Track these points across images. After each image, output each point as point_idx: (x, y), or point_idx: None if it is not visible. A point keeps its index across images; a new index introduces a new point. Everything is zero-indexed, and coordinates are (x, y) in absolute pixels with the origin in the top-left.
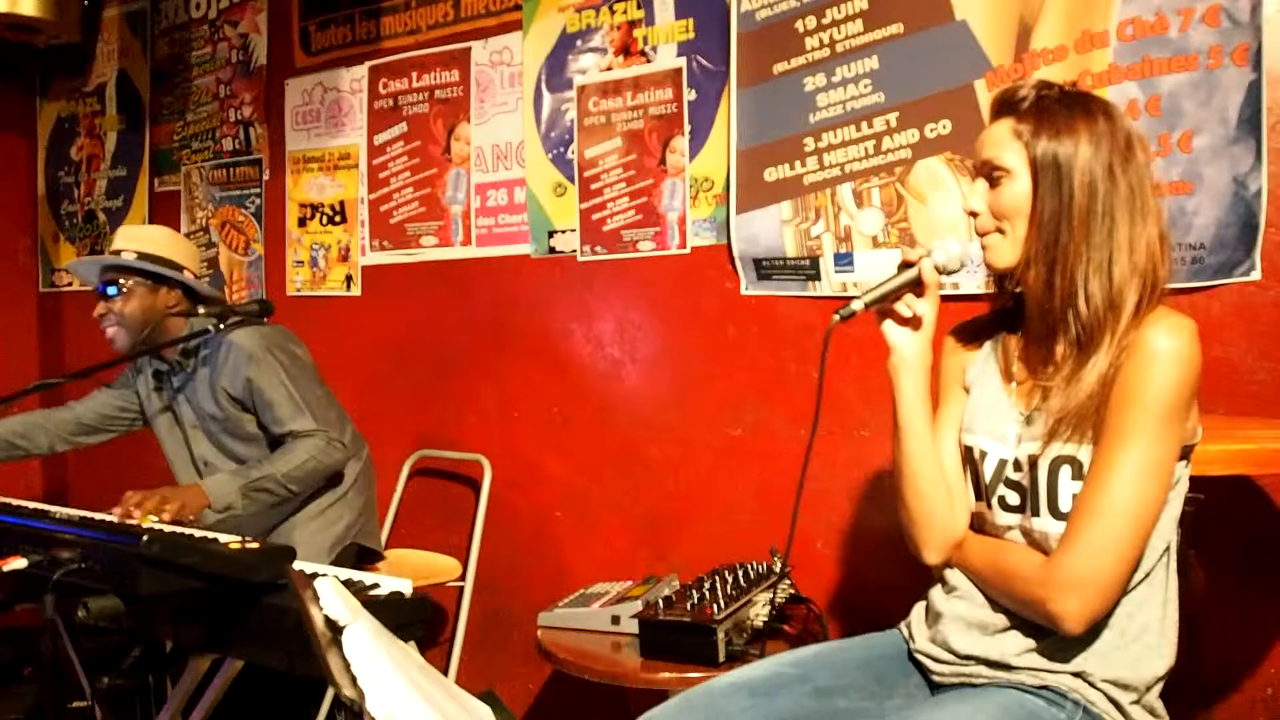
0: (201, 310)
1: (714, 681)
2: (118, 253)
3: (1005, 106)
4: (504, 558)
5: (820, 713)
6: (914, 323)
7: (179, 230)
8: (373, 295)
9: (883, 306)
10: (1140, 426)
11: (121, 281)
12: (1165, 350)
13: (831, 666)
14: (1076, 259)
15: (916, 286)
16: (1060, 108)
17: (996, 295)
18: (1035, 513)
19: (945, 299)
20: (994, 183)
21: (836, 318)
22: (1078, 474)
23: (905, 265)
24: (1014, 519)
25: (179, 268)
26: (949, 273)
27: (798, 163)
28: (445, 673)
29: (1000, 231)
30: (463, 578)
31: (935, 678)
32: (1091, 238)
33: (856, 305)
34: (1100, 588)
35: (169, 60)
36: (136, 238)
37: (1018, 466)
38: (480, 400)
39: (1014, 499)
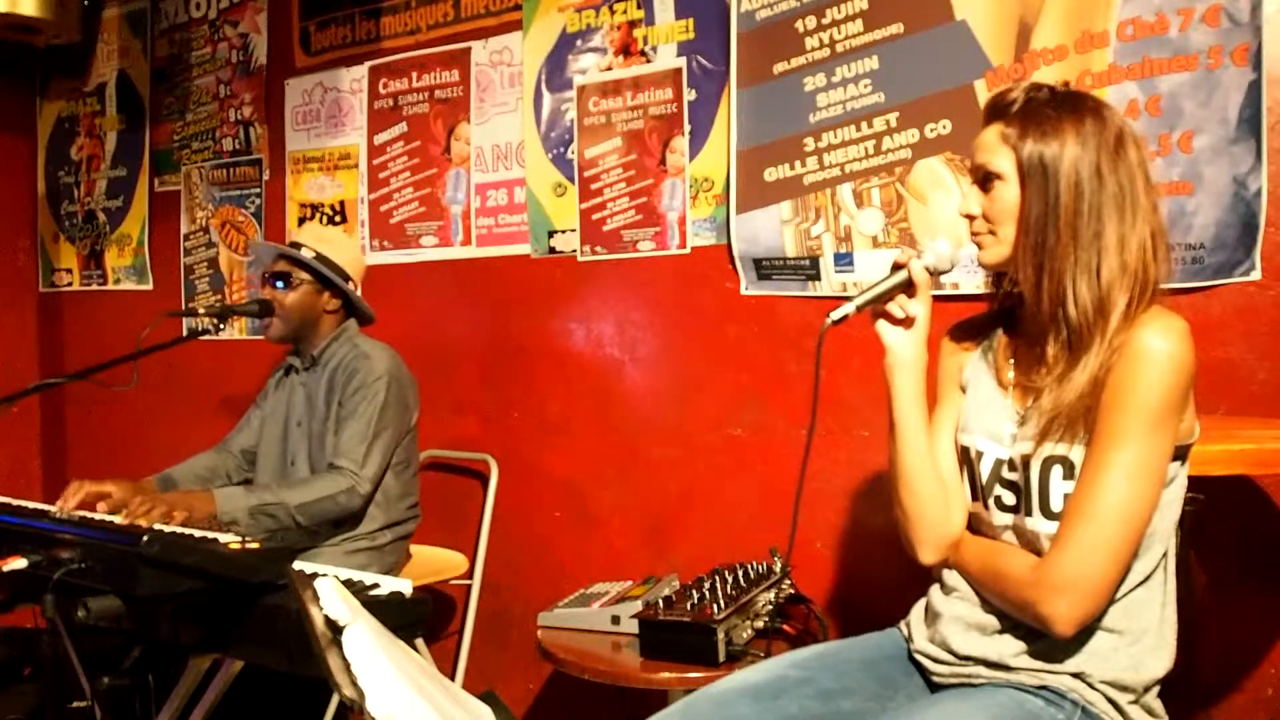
0: (355, 321)
1: (716, 686)
2: (298, 246)
3: (995, 111)
4: (504, 557)
5: (826, 715)
6: (907, 323)
7: (179, 230)
8: (373, 295)
9: (876, 308)
10: (1131, 428)
11: (293, 276)
12: (1156, 351)
13: (835, 668)
14: (1064, 260)
15: (908, 288)
16: (1048, 109)
17: (994, 295)
18: (1028, 513)
19: (946, 299)
20: (987, 187)
21: (829, 321)
22: (1069, 474)
23: (897, 267)
24: (1009, 519)
25: (346, 278)
26: (940, 273)
27: (798, 163)
28: (453, 670)
29: (993, 234)
30: (469, 575)
31: (934, 678)
32: (1079, 239)
33: (848, 308)
34: (1090, 590)
35: (169, 60)
36: (320, 237)
37: (1012, 466)
38: (480, 400)
39: (1009, 499)
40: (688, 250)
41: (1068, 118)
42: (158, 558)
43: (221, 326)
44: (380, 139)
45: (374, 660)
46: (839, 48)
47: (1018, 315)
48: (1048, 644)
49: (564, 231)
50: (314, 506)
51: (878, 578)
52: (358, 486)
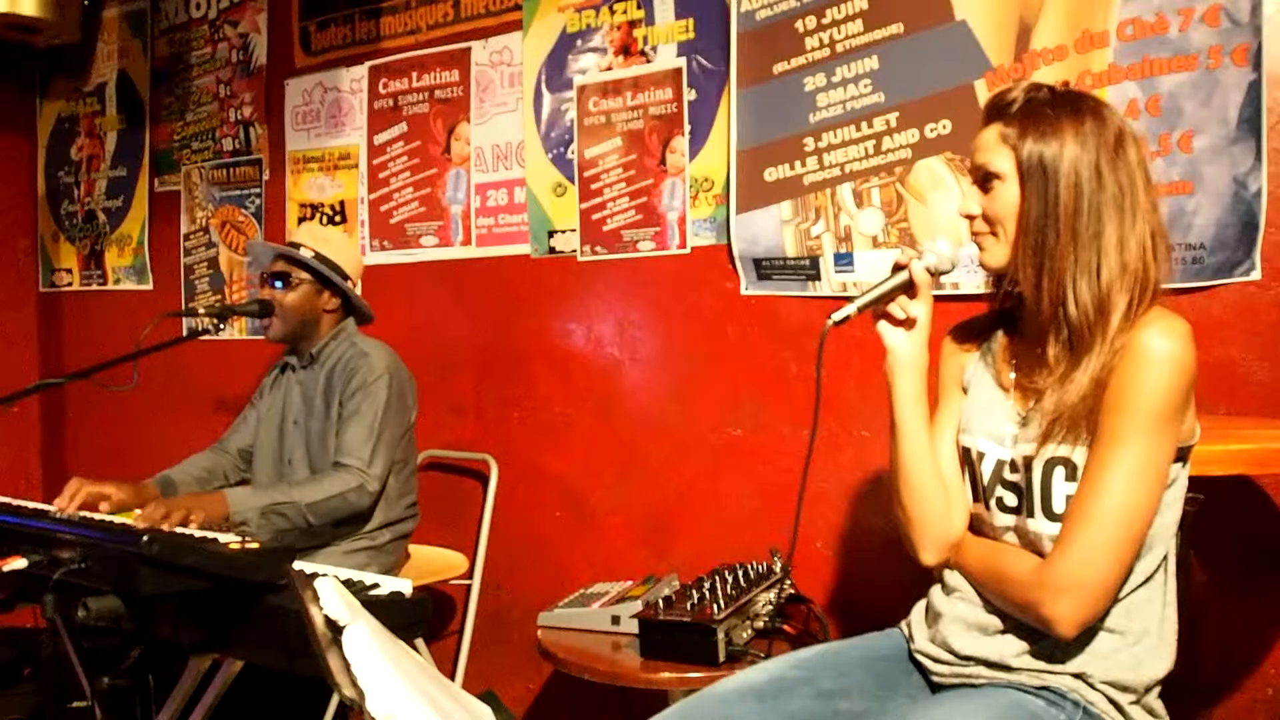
0: (353, 320)
1: (719, 686)
2: (297, 246)
3: (995, 111)
4: (504, 558)
5: (825, 715)
6: (908, 324)
7: (179, 230)
8: (373, 295)
9: (877, 309)
10: (1133, 429)
11: (293, 275)
12: (1159, 353)
13: (834, 668)
14: (1064, 261)
15: (909, 289)
16: (1047, 109)
17: (994, 296)
18: (1030, 514)
19: (947, 299)
20: (987, 187)
21: (830, 322)
22: (1071, 475)
23: (898, 268)
24: (1011, 520)
25: (345, 276)
26: (940, 274)
27: (798, 163)
28: (453, 670)
29: (993, 235)
30: (469, 575)
31: (935, 678)
32: (1078, 239)
33: (849, 310)
34: (1093, 591)
35: (169, 60)
36: (318, 237)
37: (1014, 468)
38: (480, 400)
39: (1011, 500)
40: (688, 250)
41: (1067, 117)
42: (158, 558)
43: (221, 326)
44: (380, 139)
45: (374, 660)
46: (839, 48)
47: (1018, 316)
48: (1049, 644)
49: (564, 231)
50: (325, 505)
51: (878, 578)
52: (367, 484)
